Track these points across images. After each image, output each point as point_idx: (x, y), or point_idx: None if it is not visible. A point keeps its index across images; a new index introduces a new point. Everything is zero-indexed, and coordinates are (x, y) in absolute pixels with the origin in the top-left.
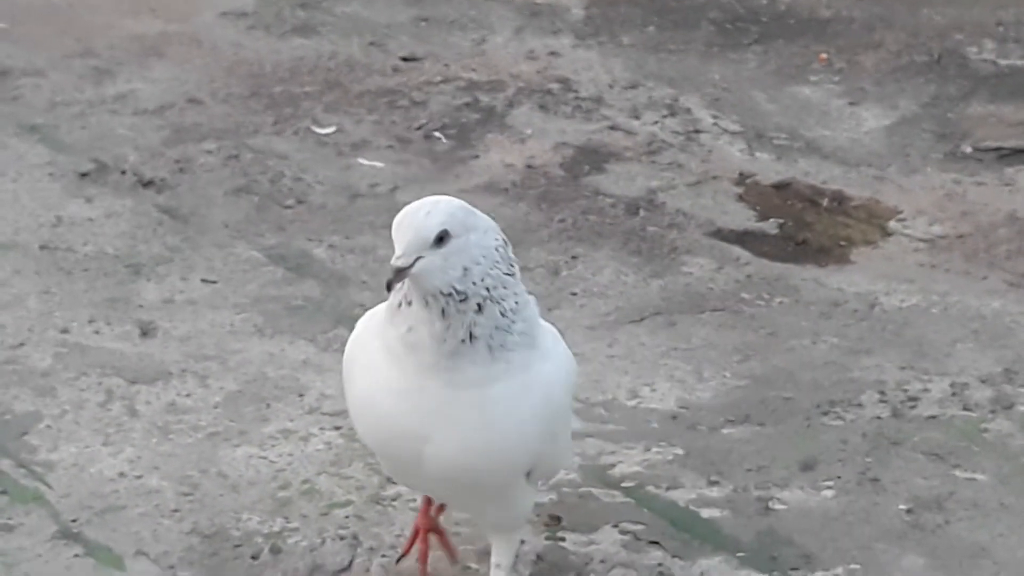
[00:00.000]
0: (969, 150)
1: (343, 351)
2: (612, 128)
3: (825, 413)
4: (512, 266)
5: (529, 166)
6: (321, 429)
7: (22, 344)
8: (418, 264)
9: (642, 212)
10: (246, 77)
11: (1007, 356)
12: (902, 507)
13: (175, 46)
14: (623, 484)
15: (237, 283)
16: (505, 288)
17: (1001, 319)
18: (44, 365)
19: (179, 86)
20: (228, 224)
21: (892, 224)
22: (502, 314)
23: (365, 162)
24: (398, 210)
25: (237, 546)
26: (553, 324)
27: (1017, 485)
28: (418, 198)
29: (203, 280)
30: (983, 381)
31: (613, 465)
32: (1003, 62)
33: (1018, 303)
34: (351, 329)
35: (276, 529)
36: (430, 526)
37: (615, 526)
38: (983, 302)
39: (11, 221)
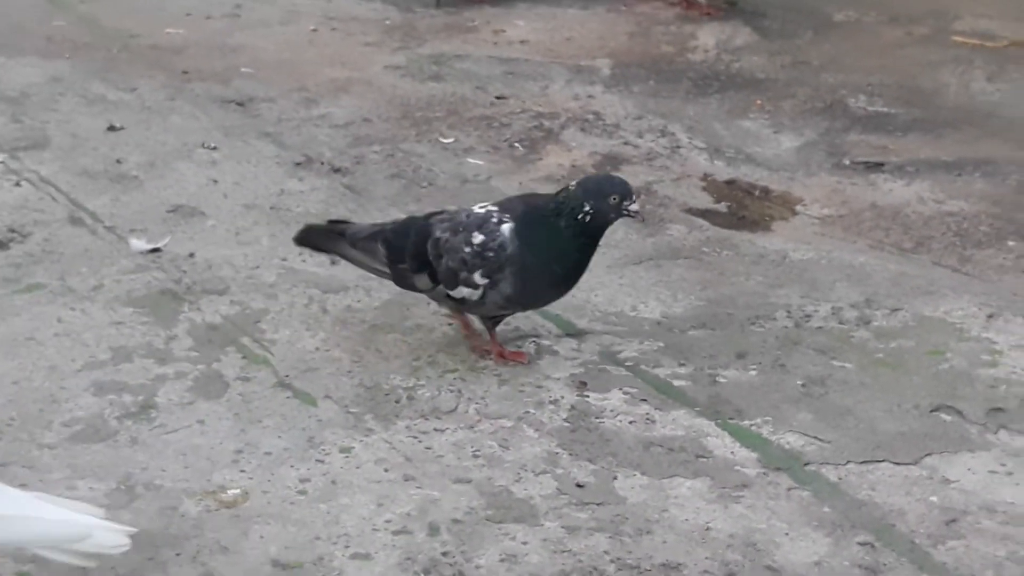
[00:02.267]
0: (848, 163)
1: None
2: (625, 143)
3: (753, 323)
4: None
5: (573, 165)
6: (441, 324)
7: (257, 267)
8: None
9: (643, 196)
10: (399, 106)
11: (867, 291)
12: (799, 383)
13: (356, 86)
14: (626, 363)
15: None
16: None
17: (864, 268)
18: (271, 280)
19: (358, 111)
20: (386, 196)
21: (798, 208)
22: None
23: (472, 161)
24: (493, 191)
25: (387, 394)
26: None
27: (871, 371)
28: (505, 185)
29: None
30: (852, 306)
31: (620, 351)
32: (871, 109)
33: (876, 258)
34: None
35: (411, 385)
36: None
37: (620, 389)
38: (854, 257)
39: (252, 190)
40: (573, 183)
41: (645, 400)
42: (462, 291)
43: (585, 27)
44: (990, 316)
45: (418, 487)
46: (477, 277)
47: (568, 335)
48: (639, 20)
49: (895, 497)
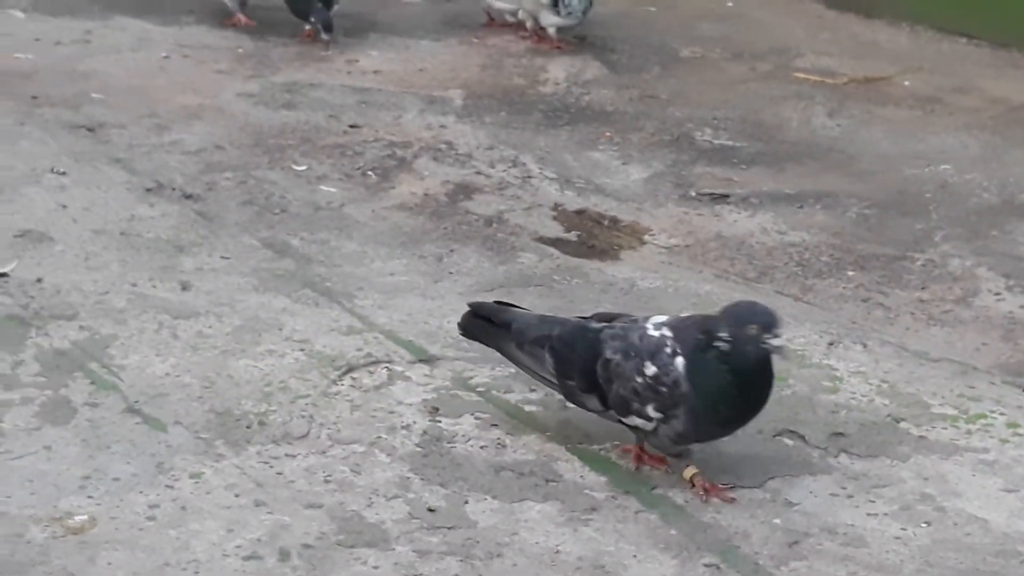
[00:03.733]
0: (694, 194)
1: (309, 304)
2: (477, 173)
3: None
4: None
5: (426, 194)
6: (292, 350)
7: (107, 292)
8: None
9: (495, 224)
10: (252, 134)
11: None
12: None
13: (208, 113)
14: (478, 389)
15: (243, 259)
16: None
17: (710, 296)
18: (121, 305)
19: (210, 137)
20: (238, 223)
21: (646, 237)
22: None
23: (325, 188)
24: (346, 219)
25: (238, 420)
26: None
27: None
28: (358, 213)
29: (222, 257)
30: None
31: (472, 377)
32: (716, 142)
33: (721, 287)
34: (315, 290)
35: (262, 410)
36: None
37: (472, 414)
38: (700, 286)
39: (103, 216)
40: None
41: (496, 425)
42: (635, 420)
43: (438, 59)
44: (830, 344)
45: (269, 512)
46: (651, 410)
47: (421, 361)
48: (491, 53)
49: (740, 519)
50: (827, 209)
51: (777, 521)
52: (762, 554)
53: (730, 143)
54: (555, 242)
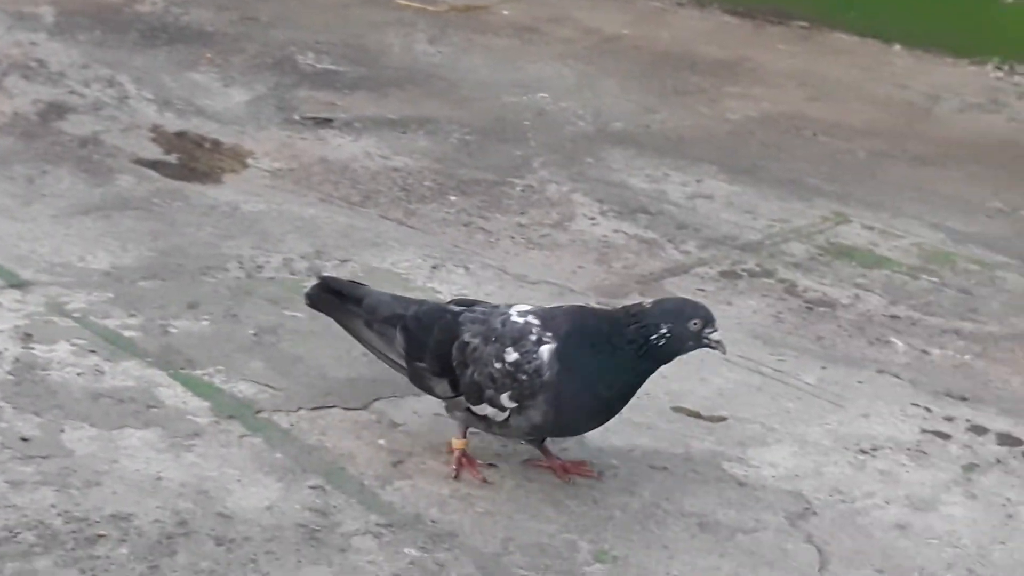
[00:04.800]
0: (297, 118)
1: None
2: (71, 92)
3: (204, 273)
4: None
5: (16, 113)
6: None
7: None
8: None
9: (90, 146)
10: None
11: (317, 242)
12: (251, 332)
13: None
14: (74, 314)
15: None
16: None
17: (314, 220)
18: None
19: None
20: None
21: (249, 161)
22: None
23: None
24: None
25: None
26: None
27: (321, 320)
28: None
29: None
30: (302, 257)
31: (68, 302)
32: (319, 66)
33: (325, 211)
34: None
35: None
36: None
37: (68, 340)
38: (304, 209)
39: None
40: (648, 302)
41: (94, 351)
42: (485, 409)
43: None
44: (434, 267)
45: None
46: (504, 399)
47: (12, 286)
48: None
49: (345, 441)
50: (429, 135)
51: (382, 442)
52: (367, 474)
53: (333, 67)
54: (154, 164)
